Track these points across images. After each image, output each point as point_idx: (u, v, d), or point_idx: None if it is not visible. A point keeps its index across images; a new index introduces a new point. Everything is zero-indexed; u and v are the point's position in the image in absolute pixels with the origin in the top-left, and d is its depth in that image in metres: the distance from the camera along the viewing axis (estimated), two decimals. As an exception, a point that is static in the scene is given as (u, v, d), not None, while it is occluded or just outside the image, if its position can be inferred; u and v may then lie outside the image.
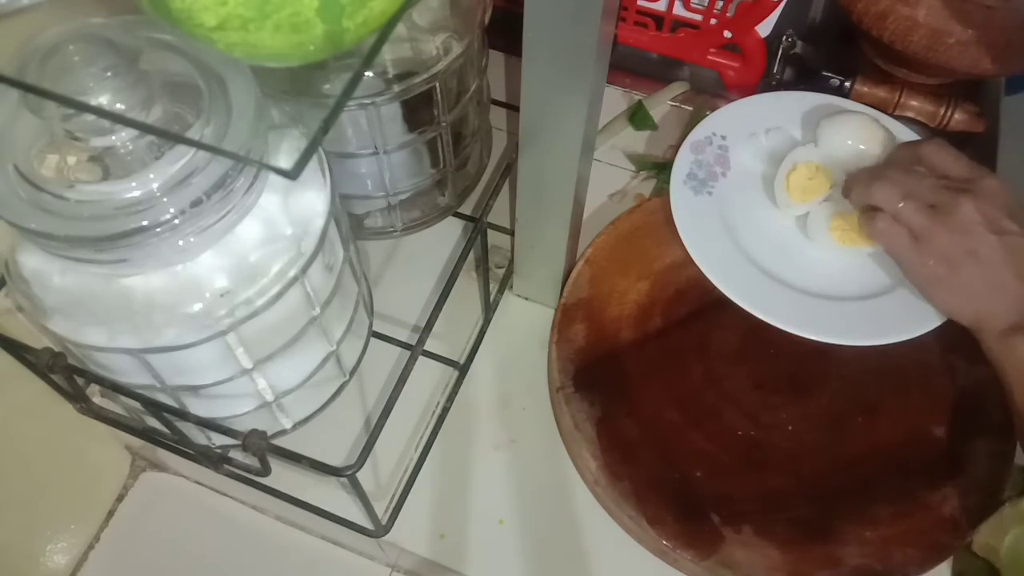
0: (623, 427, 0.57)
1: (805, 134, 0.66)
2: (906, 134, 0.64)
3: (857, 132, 0.60)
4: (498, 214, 0.64)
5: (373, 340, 0.58)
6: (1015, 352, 0.49)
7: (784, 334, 0.55)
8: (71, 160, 0.38)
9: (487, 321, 0.64)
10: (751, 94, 0.68)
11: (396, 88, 0.51)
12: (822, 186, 0.60)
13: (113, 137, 0.37)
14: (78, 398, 0.54)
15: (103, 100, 0.35)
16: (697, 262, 0.58)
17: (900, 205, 0.51)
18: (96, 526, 0.65)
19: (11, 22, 0.42)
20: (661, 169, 0.73)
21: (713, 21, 0.76)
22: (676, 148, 0.67)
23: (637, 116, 0.76)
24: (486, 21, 0.56)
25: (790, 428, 0.58)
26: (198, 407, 0.48)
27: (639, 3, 0.78)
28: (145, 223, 0.36)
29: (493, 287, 0.65)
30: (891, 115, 0.69)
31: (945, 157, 0.54)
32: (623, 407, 0.57)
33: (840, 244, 0.58)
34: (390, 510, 0.55)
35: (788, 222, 0.62)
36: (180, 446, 0.53)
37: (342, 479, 0.49)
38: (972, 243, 0.49)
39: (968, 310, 0.51)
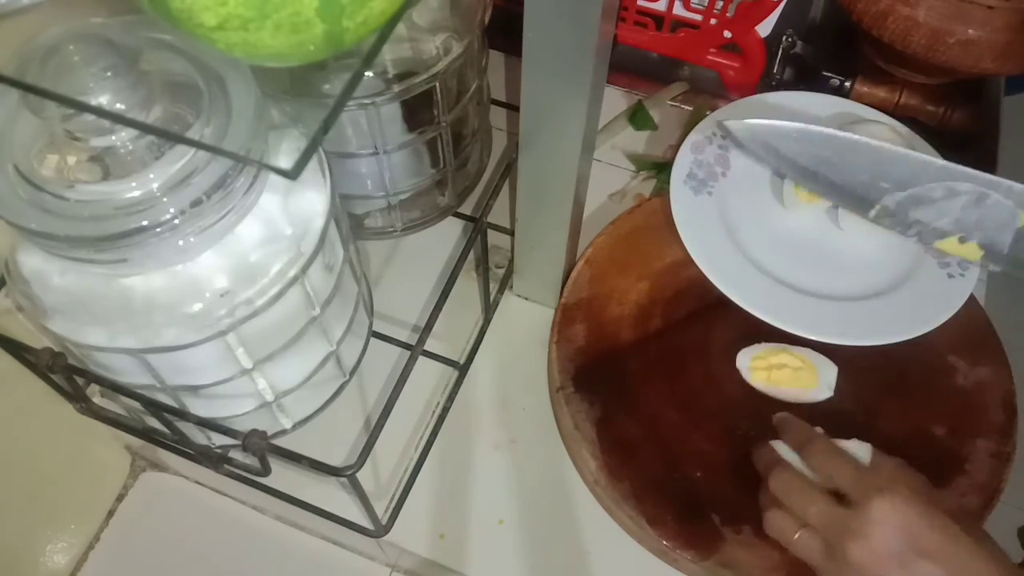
0: (623, 427, 0.57)
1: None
2: (915, 141, 0.64)
3: None
4: (498, 214, 0.64)
5: (373, 340, 0.58)
6: None
7: (785, 334, 0.55)
8: (71, 160, 0.38)
9: (487, 321, 0.64)
10: (751, 94, 0.68)
11: (396, 88, 0.51)
12: None
13: (113, 137, 0.37)
14: (78, 398, 0.54)
15: (103, 100, 0.35)
16: (697, 262, 0.58)
17: (795, 537, 0.46)
18: (96, 526, 0.65)
19: (11, 22, 0.42)
20: (661, 169, 0.73)
21: (713, 21, 0.76)
22: (676, 148, 0.67)
23: (637, 116, 0.76)
24: (486, 21, 0.56)
25: (790, 428, 0.57)
26: (198, 407, 0.48)
27: (639, 3, 0.78)
28: (145, 223, 0.36)
29: (493, 287, 0.65)
30: (891, 115, 0.69)
31: (827, 463, 0.47)
32: (623, 407, 0.57)
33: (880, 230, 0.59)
34: (390, 510, 0.55)
35: (788, 222, 0.62)
36: (180, 446, 0.53)
37: (342, 479, 0.49)
38: None
39: None
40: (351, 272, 0.52)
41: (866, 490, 0.43)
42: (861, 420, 0.57)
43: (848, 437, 0.52)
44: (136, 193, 0.37)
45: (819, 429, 0.50)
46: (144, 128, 0.37)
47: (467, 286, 0.66)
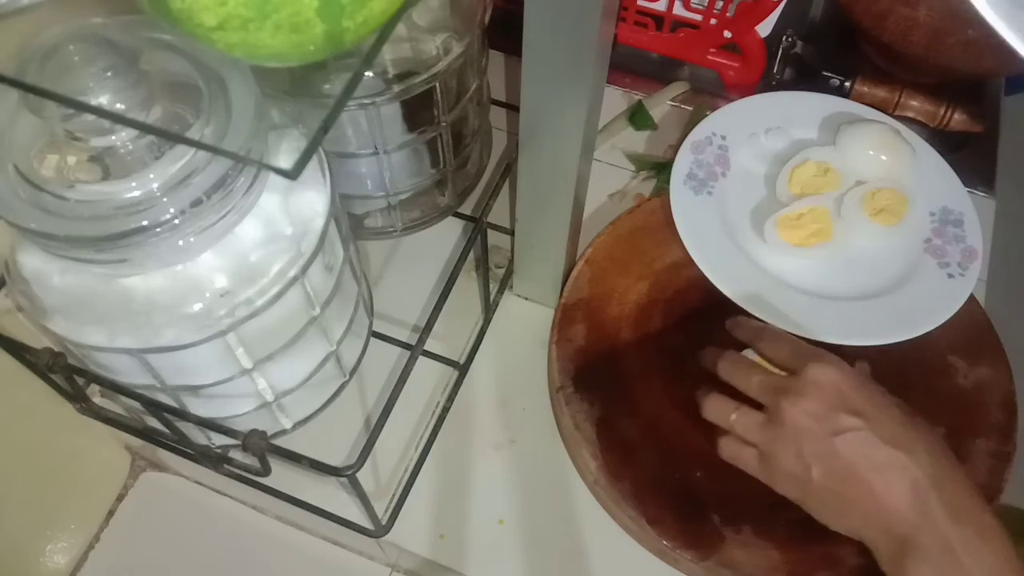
0: (623, 427, 0.57)
1: (807, 134, 0.66)
2: (915, 141, 0.64)
3: (879, 143, 0.60)
4: (498, 214, 0.64)
5: (373, 340, 0.58)
6: None
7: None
8: (71, 160, 0.38)
9: (487, 321, 0.64)
10: (751, 94, 0.68)
11: (396, 88, 0.51)
12: (826, 186, 0.60)
13: (113, 137, 0.37)
14: (78, 398, 0.54)
15: (103, 100, 0.35)
16: (697, 262, 0.58)
17: (732, 418, 0.47)
18: (96, 526, 0.65)
19: (11, 22, 0.42)
20: (661, 169, 0.73)
21: (713, 21, 0.76)
22: (676, 148, 0.67)
23: (637, 116, 0.76)
24: (486, 21, 0.56)
25: (790, 428, 0.57)
26: (198, 407, 0.48)
27: (639, 3, 0.78)
28: (145, 223, 0.36)
29: (493, 287, 0.65)
30: (891, 115, 0.69)
31: (772, 345, 0.49)
32: (623, 407, 0.57)
33: (881, 225, 0.59)
34: (390, 510, 0.55)
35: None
36: (180, 446, 0.53)
37: (342, 479, 0.49)
38: (809, 455, 0.43)
39: (844, 528, 0.44)
40: (351, 272, 0.52)
41: (806, 359, 0.46)
42: (861, 420, 0.57)
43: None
44: (136, 193, 0.37)
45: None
46: (144, 128, 0.37)
47: (467, 286, 0.66)
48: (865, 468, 0.42)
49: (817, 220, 0.59)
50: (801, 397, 0.44)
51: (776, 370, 0.49)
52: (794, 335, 0.50)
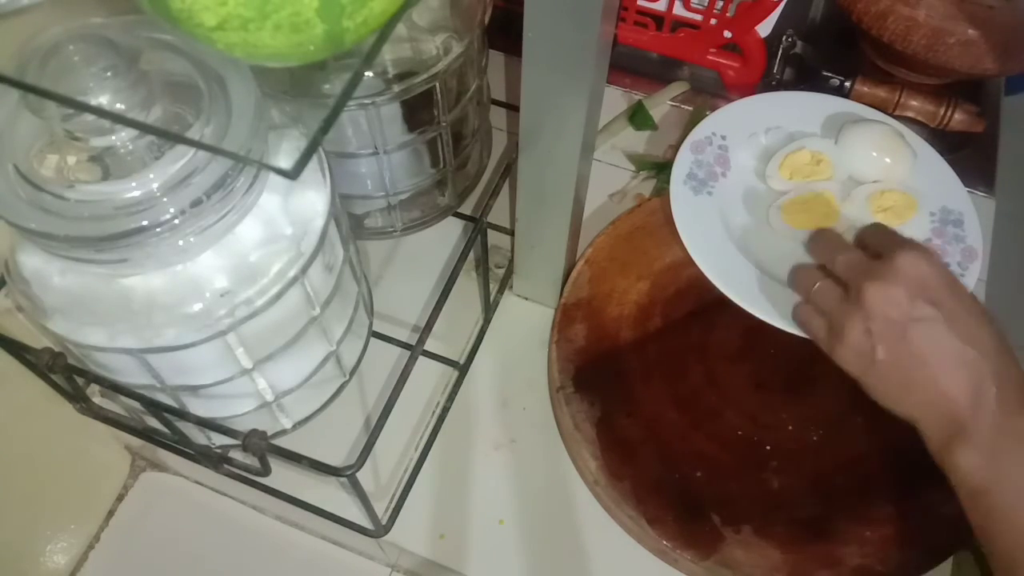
0: (623, 427, 0.57)
1: (807, 134, 0.66)
2: (916, 141, 0.64)
3: (882, 144, 0.60)
4: (498, 214, 0.64)
5: (373, 340, 0.58)
6: (958, 469, 0.42)
7: (784, 334, 0.55)
8: (71, 160, 0.38)
9: (487, 321, 0.64)
10: (751, 94, 0.68)
11: (396, 88, 0.51)
12: (816, 175, 0.60)
13: (113, 137, 0.37)
14: (78, 398, 0.54)
15: (103, 100, 0.35)
16: (697, 262, 0.58)
17: (815, 288, 0.48)
18: (96, 526, 0.65)
19: (11, 22, 0.42)
20: (661, 169, 0.73)
21: (713, 21, 0.76)
22: (676, 148, 0.66)
23: (637, 116, 0.76)
24: (486, 21, 0.56)
25: (790, 428, 0.58)
26: (198, 407, 0.48)
27: (639, 3, 0.78)
28: (145, 223, 0.36)
29: (493, 287, 0.65)
30: (891, 115, 0.69)
31: (865, 229, 0.50)
32: (623, 407, 0.57)
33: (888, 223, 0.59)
34: (390, 510, 0.55)
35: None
36: (180, 446, 0.53)
37: (342, 479, 0.49)
38: (877, 333, 0.44)
39: (898, 409, 0.45)
40: (351, 272, 0.52)
41: (898, 245, 0.45)
42: (861, 421, 0.57)
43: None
44: (136, 193, 0.37)
45: None
46: (144, 128, 0.37)
47: (467, 286, 0.66)
48: (933, 357, 0.43)
49: (823, 205, 0.59)
50: (884, 281, 0.44)
51: None
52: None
